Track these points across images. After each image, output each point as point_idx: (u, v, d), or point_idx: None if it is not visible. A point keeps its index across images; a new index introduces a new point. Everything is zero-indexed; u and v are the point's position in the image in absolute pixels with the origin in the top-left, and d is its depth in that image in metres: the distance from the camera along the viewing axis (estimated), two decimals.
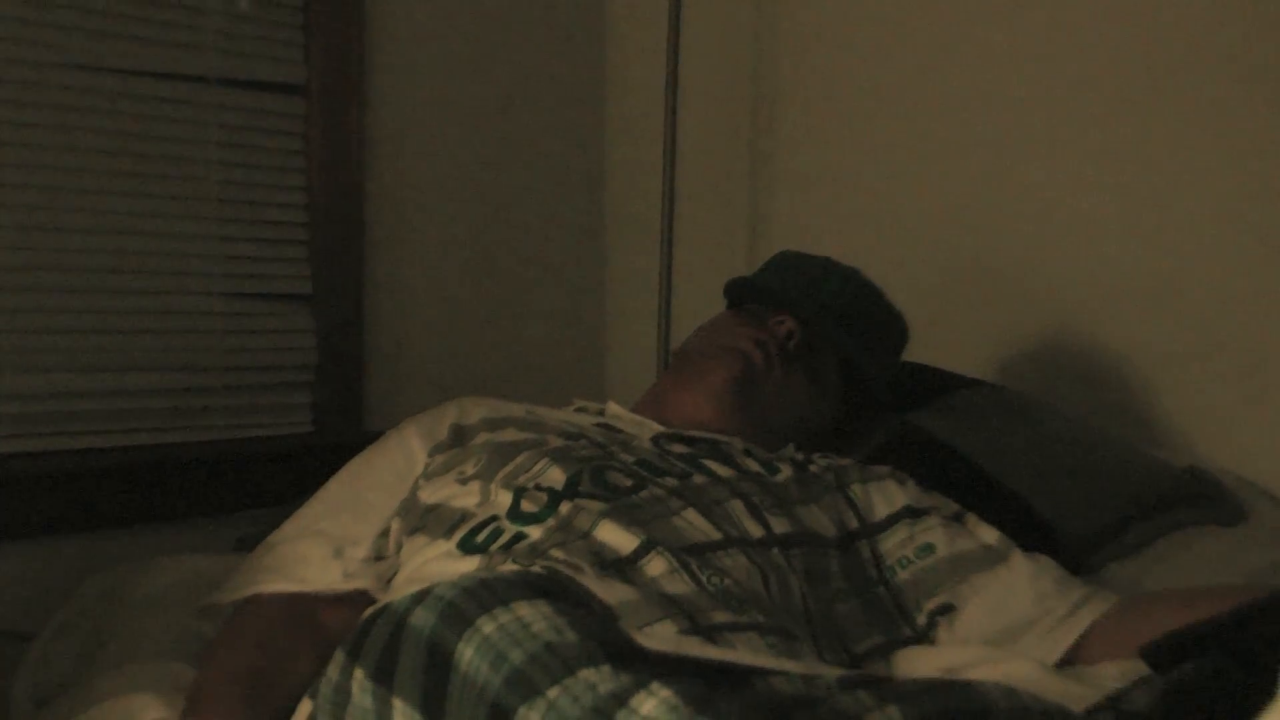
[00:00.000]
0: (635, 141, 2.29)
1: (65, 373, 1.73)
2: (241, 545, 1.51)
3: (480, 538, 1.13)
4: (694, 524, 1.15)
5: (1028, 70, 1.88)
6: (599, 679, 0.72)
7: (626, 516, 1.12)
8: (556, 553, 1.07)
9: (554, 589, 0.81)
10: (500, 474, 1.21)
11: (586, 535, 1.10)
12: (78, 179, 1.74)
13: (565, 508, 1.14)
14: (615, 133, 2.35)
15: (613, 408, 1.45)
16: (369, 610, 0.90)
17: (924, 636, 1.22)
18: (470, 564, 1.10)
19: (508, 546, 1.11)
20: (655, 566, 1.07)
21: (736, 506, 1.20)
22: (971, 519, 1.32)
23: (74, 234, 1.74)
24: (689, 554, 1.10)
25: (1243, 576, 1.42)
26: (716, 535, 1.14)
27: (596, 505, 1.13)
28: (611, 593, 1.01)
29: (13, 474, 1.65)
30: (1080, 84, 1.83)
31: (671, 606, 1.02)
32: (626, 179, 2.33)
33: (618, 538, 1.09)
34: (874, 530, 1.28)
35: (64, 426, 1.73)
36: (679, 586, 1.06)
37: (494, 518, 1.15)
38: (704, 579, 1.08)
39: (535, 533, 1.11)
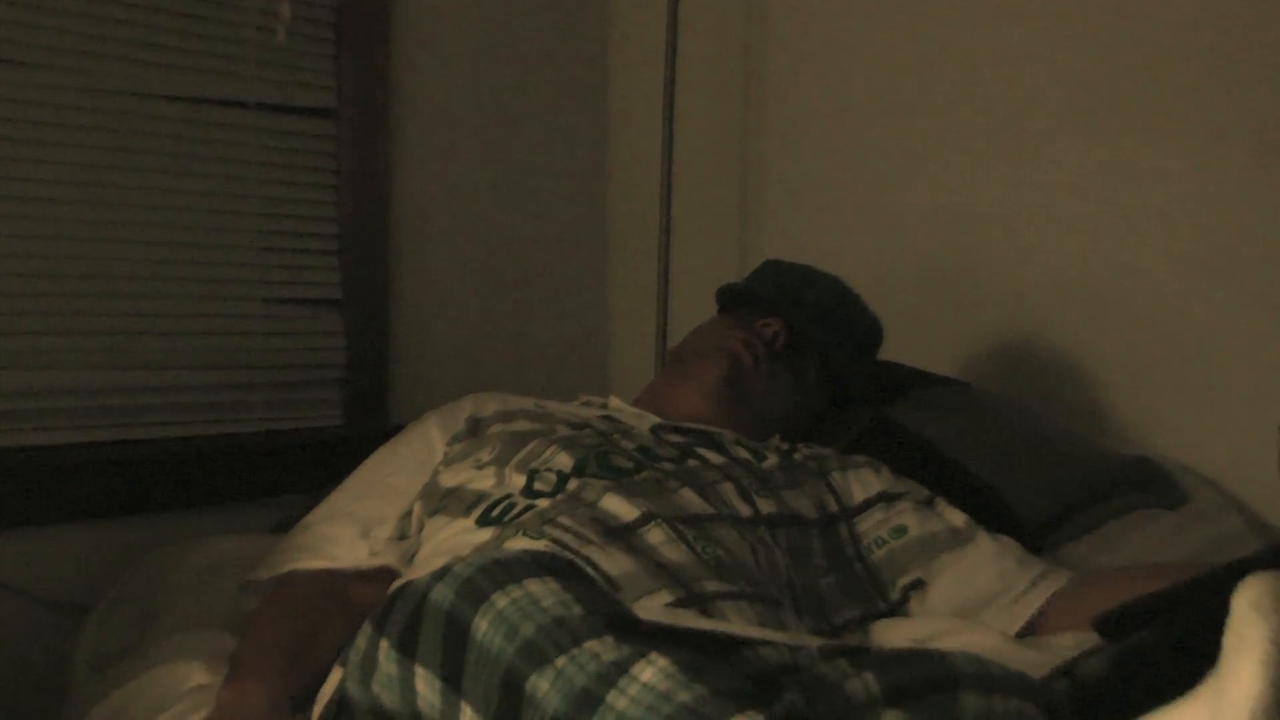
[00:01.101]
0: (635, 165, 2.28)
1: (119, 370, 1.72)
2: (279, 527, 1.50)
3: (495, 513, 1.14)
4: (690, 500, 1.15)
5: (1002, 81, 1.85)
6: (603, 649, 0.72)
7: (628, 490, 1.13)
8: (564, 519, 1.07)
9: (562, 567, 0.81)
10: (514, 459, 1.21)
11: (592, 505, 1.10)
12: (131, 196, 1.73)
13: (573, 484, 1.14)
14: (617, 152, 2.35)
15: (614, 402, 1.45)
16: (394, 586, 0.90)
17: (897, 609, 1.22)
18: (486, 535, 1.11)
19: (519, 517, 1.11)
20: (655, 535, 1.08)
21: (727, 488, 1.20)
22: (941, 503, 1.32)
23: (130, 245, 1.73)
24: (686, 524, 1.10)
25: (1185, 554, 1.42)
26: (710, 510, 1.14)
27: (601, 482, 1.14)
28: (614, 564, 1.01)
29: (71, 462, 1.65)
30: (1046, 96, 1.81)
31: (668, 577, 1.03)
32: (626, 197, 2.33)
33: (621, 507, 1.10)
34: (852, 513, 1.28)
35: (117, 419, 1.73)
36: (676, 554, 1.06)
37: (508, 496, 1.16)
38: (699, 548, 1.08)
39: (544, 504, 1.12)
